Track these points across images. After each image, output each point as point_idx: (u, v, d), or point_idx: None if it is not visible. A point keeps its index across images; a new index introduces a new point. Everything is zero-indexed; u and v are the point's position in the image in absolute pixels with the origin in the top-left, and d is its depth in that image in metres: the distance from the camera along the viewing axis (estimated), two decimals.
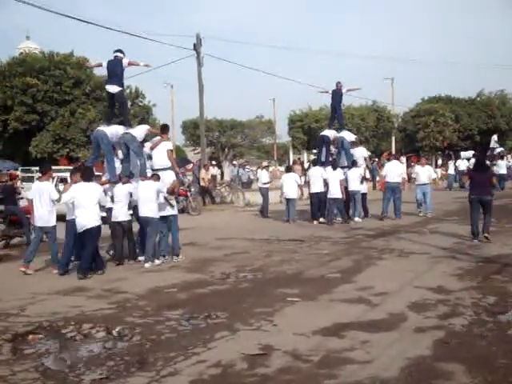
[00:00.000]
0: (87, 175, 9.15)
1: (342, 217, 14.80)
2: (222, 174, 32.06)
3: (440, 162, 42.66)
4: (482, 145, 29.13)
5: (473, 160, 25.22)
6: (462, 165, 27.03)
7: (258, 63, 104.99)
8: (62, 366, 4.85)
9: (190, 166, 23.70)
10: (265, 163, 24.05)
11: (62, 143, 28.46)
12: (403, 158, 35.52)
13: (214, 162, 28.80)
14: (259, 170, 18.26)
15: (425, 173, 15.98)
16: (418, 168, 16.43)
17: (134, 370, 4.69)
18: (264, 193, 17.79)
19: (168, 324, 5.96)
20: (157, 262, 9.66)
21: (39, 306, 6.89)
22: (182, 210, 16.53)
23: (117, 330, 5.78)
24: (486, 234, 11.00)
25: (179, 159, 23.05)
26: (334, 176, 14.68)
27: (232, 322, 5.96)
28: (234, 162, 33.04)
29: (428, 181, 15.89)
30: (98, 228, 8.97)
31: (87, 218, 8.77)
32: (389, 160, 25.04)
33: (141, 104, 32.19)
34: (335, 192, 14.50)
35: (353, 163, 15.50)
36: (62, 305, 6.91)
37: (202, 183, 21.38)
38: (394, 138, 43.55)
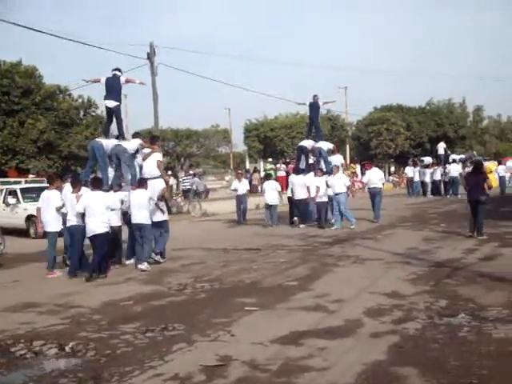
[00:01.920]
0: (96, 184, 9.83)
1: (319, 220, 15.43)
2: (178, 184, 31.84)
3: (393, 169, 43.69)
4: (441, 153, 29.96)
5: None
6: (411, 172, 27.69)
7: (214, 72, 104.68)
8: None
9: None
10: (240, 171, 24.85)
11: (11, 154, 27.62)
12: (358, 166, 36.23)
13: (169, 172, 28.57)
14: (235, 181, 18.90)
15: (335, 181, 15.25)
16: (330, 178, 15.57)
17: None
18: (237, 199, 18.01)
19: (123, 338, 5.84)
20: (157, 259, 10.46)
21: None
22: None
23: (70, 345, 5.62)
24: (477, 236, 11.83)
25: None
26: (320, 182, 15.29)
27: (189, 333, 5.90)
28: (191, 172, 32.85)
29: (340, 190, 15.12)
30: (107, 234, 9.52)
31: (96, 224, 9.34)
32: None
33: (93, 114, 31.55)
34: (321, 196, 15.20)
35: (331, 171, 16.08)
36: (11, 322, 6.66)
37: None
38: (348, 146, 44.32)
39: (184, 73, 65.78)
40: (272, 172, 28.98)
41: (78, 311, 7.12)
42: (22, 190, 17.68)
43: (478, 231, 11.92)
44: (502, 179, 26.15)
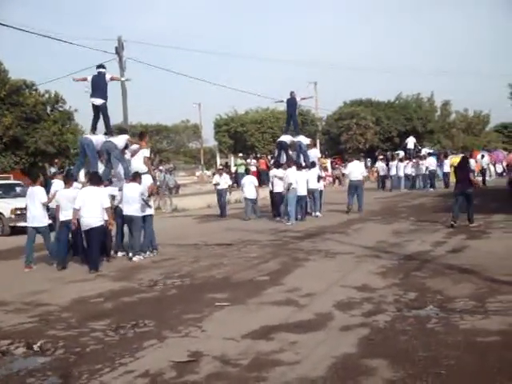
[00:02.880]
0: (94, 180, 10.01)
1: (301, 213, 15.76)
2: None
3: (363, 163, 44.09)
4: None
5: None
6: (380, 169, 28.08)
7: (187, 68, 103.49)
8: None
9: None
10: (220, 167, 25.11)
11: None
12: (328, 160, 36.48)
13: None
14: (217, 176, 19.05)
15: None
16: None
17: None
18: (218, 193, 18.28)
19: (93, 335, 5.78)
20: (144, 255, 10.59)
21: None
22: None
23: (38, 344, 5.54)
24: (470, 224, 12.58)
25: None
26: (301, 176, 15.46)
27: (160, 329, 5.87)
28: (161, 168, 32.58)
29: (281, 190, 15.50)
30: (102, 227, 9.70)
31: (92, 218, 9.53)
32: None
33: (61, 109, 30.97)
34: (301, 191, 15.39)
35: (312, 164, 16.53)
36: None
37: None
38: (318, 141, 44.57)
39: (154, 68, 65.31)
40: (243, 167, 29.04)
41: (47, 309, 7.01)
42: None
43: (470, 220, 12.65)
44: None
